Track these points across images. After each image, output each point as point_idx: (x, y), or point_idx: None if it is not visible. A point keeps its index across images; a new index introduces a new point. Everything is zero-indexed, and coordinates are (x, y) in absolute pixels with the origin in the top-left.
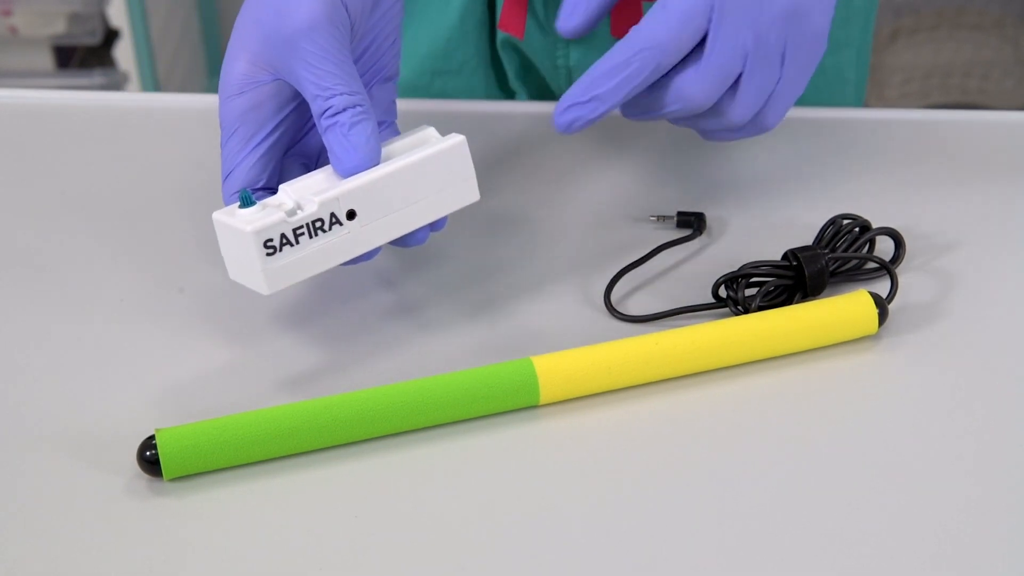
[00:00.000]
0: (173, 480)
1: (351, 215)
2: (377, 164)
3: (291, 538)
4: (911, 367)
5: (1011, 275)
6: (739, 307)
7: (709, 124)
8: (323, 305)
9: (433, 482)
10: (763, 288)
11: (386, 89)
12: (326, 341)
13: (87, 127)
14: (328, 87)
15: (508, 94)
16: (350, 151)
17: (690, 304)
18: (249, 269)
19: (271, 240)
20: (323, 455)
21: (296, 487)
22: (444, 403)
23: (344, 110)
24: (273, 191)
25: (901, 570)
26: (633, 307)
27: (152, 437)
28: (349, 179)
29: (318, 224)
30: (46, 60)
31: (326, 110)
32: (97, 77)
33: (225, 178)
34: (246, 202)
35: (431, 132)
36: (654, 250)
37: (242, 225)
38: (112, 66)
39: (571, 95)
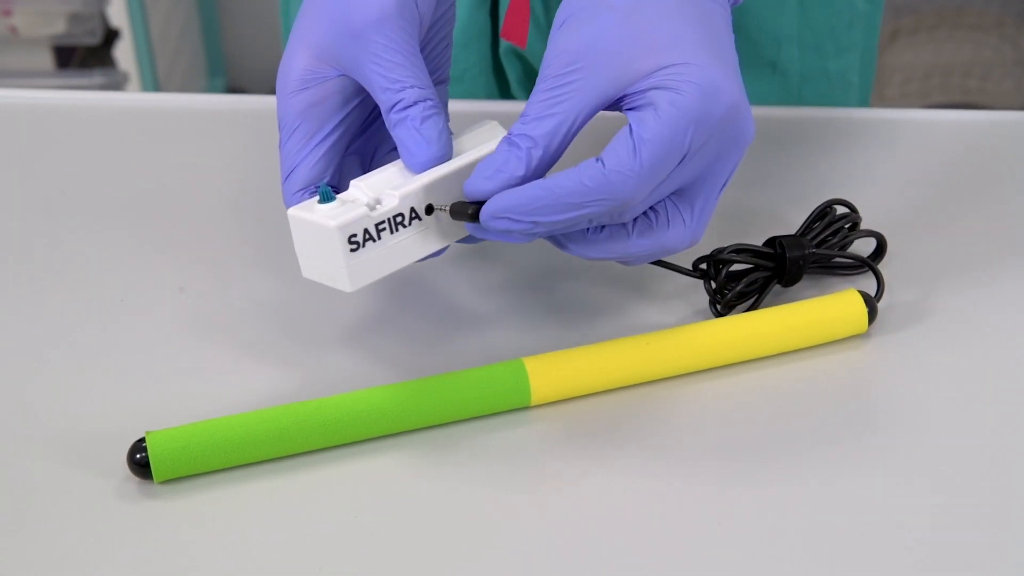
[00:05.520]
0: (164, 483)
1: (429, 210)
2: (450, 159)
3: (284, 540)
4: (901, 365)
5: (1008, 275)
6: (712, 282)
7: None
8: (319, 308)
9: (426, 482)
10: (740, 270)
11: (440, 92)
12: (321, 344)
13: (87, 127)
14: (398, 80)
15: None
16: (423, 145)
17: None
18: (331, 266)
19: (355, 236)
20: (318, 456)
21: (289, 489)
22: (436, 404)
23: (415, 104)
24: (335, 190)
25: (894, 568)
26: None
27: (142, 439)
28: (424, 174)
29: (399, 219)
30: (46, 60)
31: (396, 103)
32: (97, 77)
33: (286, 177)
34: (326, 197)
35: (495, 126)
36: None
37: (325, 220)
38: (112, 66)
39: None
